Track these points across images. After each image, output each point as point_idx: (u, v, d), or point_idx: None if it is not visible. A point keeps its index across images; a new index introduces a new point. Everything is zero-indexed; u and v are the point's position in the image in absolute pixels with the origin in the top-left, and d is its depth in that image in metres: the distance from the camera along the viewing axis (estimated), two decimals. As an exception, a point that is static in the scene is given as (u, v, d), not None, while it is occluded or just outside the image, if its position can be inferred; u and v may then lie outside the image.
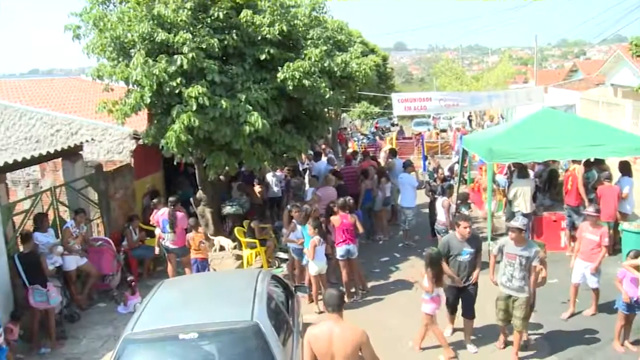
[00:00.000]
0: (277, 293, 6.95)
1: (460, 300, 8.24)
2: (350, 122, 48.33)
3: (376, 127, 40.95)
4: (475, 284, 8.09)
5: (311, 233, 9.55)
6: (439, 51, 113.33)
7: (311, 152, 16.48)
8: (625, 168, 12.38)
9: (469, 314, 8.19)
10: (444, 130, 32.99)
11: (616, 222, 11.87)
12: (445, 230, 11.08)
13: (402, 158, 17.35)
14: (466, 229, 7.83)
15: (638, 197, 13.06)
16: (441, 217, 11.61)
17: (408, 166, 13.91)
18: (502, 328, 8.08)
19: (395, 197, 15.12)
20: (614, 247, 12.00)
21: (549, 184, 14.07)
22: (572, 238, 12.17)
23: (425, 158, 21.05)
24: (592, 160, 12.76)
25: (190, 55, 9.53)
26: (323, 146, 19.90)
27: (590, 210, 9.30)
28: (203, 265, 10.49)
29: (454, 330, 8.59)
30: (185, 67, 9.56)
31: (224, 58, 10.65)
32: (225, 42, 10.25)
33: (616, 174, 12.53)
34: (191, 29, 9.98)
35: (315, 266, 9.64)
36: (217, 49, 10.01)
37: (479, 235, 8.37)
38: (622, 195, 11.85)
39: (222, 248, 12.71)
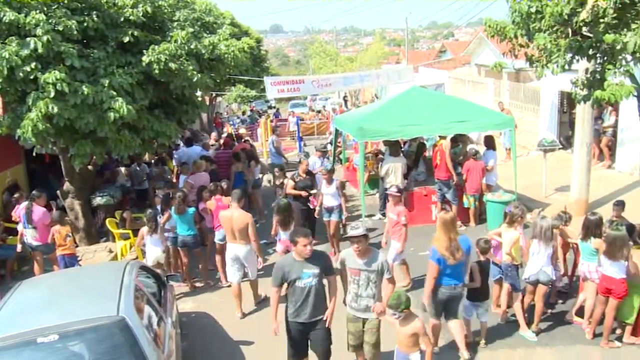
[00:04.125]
0: (147, 284, 6.69)
1: (309, 341, 6.38)
2: (227, 106, 47.79)
3: (252, 110, 40.66)
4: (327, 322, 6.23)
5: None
6: (315, 33, 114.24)
7: (180, 138, 16.20)
8: (489, 142, 13.12)
9: (320, 356, 6.38)
10: (319, 112, 33.33)
11: (481, 194, 12.58)
12: (338, 212, 10.89)
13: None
14: (306, 247, 6.01)
15: (500, 169, 13.90)
16: (330, 201, 10.96)
17: (318, 150, 13.92)
18: (359, 355, 6.62)
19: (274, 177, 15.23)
20: (480, 217, 12.73)
21: (417, 158, 14.57)
22: (443, 210, 12.75)
23: (300, 139, 21.19)
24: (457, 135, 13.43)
25: (45, 37, 8.93)
26: (213, 135, 19.58)
27: (392, 190, 9.22)
28: (71, 261, 9.89)
29: None
30: (40, 50, 8.94)
31: (84, 41, 10.10)
32: (85, 24, 9.73)
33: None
34: (45, 9, 9.34)
35: (150, 254, 9.47)
36: (75, 32, 9.47)
37: (325, 254, 6.50)
38: (488, 168, 12.56)
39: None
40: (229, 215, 8.65)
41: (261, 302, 9.09)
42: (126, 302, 5.51)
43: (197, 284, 10.15)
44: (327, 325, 6.20)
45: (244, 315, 8.86)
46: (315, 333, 6.23)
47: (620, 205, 8.81)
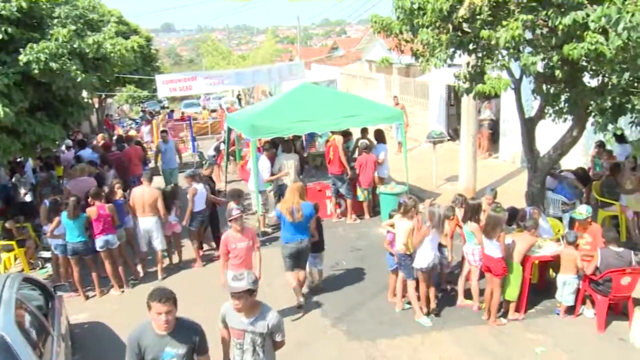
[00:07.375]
0: (32, 297, 6.31)
1: None
2: (118, 107, 46.22)
3: (144, 111, 39.38)
4: None
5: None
6: (208, 32, 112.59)
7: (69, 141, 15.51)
8: (379, 136, 13.46)
9: None
10: (214, 111, 32.84)
11: (374, 187, 12.88)
12: (201, 219, 10.77)
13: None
14: (160, 316, 4.35)
15: (392, 162, 14.29)
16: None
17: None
18: None
19: (169, 179, 14.96)
20: (374, 209, 13.04)
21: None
22: (337, 205, 12.98)
23: (194, 139, 20.74)
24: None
25: None
26: (100, 136, 18.79)
27: (233, 213, 7.47)
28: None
29: None
30: None
31: (-50, 38, 9.39)
32: (-50, 20, 9.04)
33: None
34: None
35: None
36: (-61, 28, 8.78)
37: (196, 326, 4.68)
38: (379, 161, 12.87)
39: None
40: (141, 191, 10.09)
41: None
42: (5, 318, 5.15)
43: (90, 293, 9.76)
44: None
45: (164, 278, 10.30)
46: None
47: (491, 192, 9.42)
